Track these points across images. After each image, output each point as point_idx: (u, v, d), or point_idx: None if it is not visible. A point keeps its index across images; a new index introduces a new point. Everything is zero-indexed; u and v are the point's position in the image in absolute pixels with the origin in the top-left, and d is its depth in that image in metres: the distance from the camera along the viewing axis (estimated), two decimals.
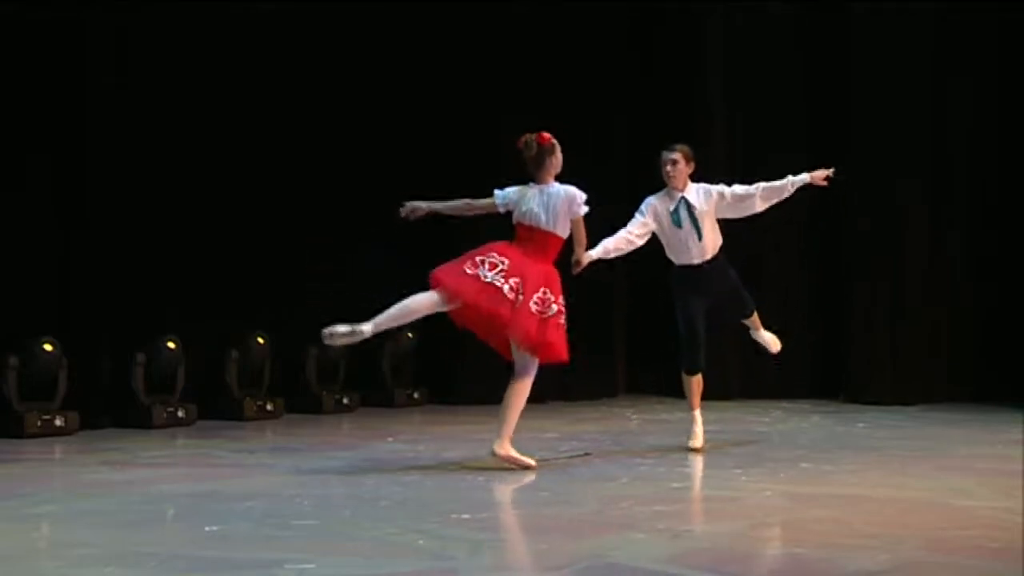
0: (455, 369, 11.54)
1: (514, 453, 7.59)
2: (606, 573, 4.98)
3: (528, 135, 7.72)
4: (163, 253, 10.19)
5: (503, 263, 7.55)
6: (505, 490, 6.99)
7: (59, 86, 9.78)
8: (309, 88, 11.06)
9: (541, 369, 8.15)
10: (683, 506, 6.52)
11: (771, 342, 8.98)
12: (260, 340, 10.62)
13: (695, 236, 8.21)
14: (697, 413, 8.45)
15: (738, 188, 8.42)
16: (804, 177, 8.51)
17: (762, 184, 8.45)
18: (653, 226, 8.24)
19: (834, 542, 5.43)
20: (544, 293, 7.51)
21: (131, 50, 10.16)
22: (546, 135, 7.72)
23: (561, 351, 7.61)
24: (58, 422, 9.24)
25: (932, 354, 11.75)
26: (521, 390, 7.61)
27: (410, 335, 11.57)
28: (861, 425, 10.06)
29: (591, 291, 8.04)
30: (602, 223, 8.31)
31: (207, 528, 5.73)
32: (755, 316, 8.84)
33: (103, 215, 9.99)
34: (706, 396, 11.99)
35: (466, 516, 6.01)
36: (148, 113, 10.17)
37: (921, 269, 11.77)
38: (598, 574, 4.99)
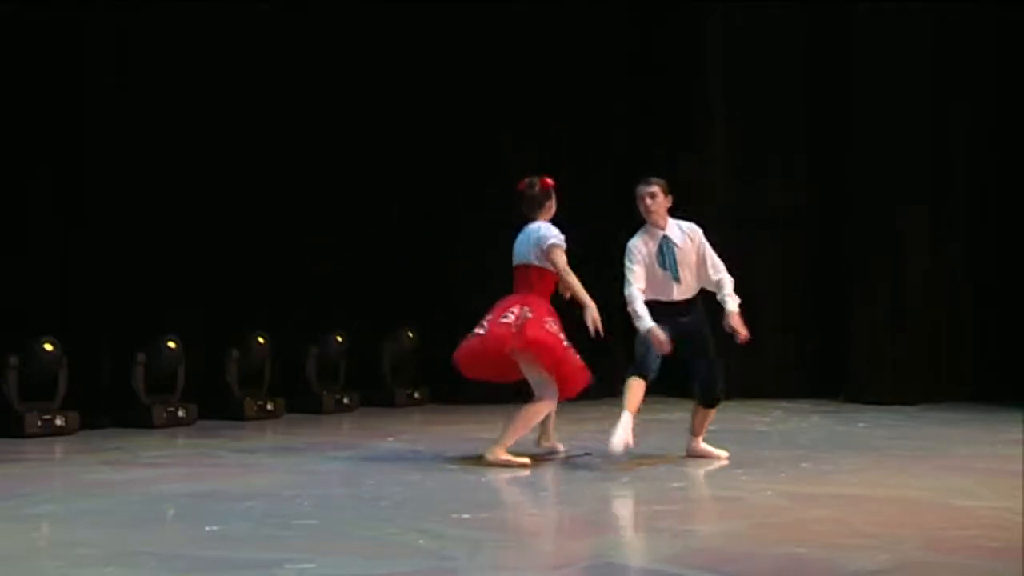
0: (455, 369, 11.52)
1: (507, 457, 7.65)
2: (606, 573, 4.99)
3: (531, 177, 7.98)
4: (163, 253, 10.19)
5: (492, 312, 7.84)
6: (505, 490, 6.99)
7: (59, 86, 9.77)
8: (309, 89, 11.06)
9: None
10: (683, 506, 6.52)
11: (710, 455, 8.09)
12: (260, 340, 10.61)
13: (679, 275, 7.81)
14: (629, 415, 7.61)
15: (717, 263, 7.96)
16: (731, 307, 7.89)
17: (726, 281, 7.94)
18: (644, 271, 7.81)
19: (834, 542, 5.44)
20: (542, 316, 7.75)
21: (131, 50, 10.15)
22: (548, 180, 7.99)
23: (577, 381, 7.90)
24: (58, 422, 9.24)
25: (932, 354, 11.75)
26: (532, 411, 7.75)
27: (410, 335, 11.57)
28: (861, 425, 10.06)
29: (591, 291, 8.02)
30: (601, 225, 8.32)
31: (207, 528, 5.73)
32: (709, 417, 8.07)
33: (103, 215, 9.99)
34: None
35: (466, 516, 6.01)
36: (148, 113, 10.17)
37: (921, 269, 11.77)
38: (598, 574, 4.99)
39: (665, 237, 7.84)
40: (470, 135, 11.68)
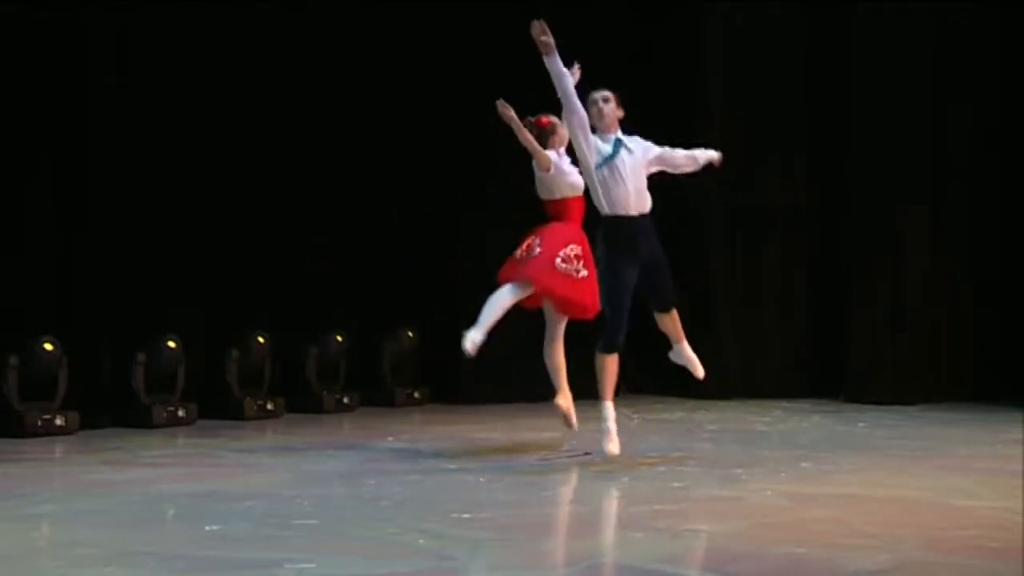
0: (455, 369, 11.54)
1: (568, 405, 8.18)
2: (606, 573, 4.99)
3: (529, 119, 8.19)
4: (163, 253, 10.19)
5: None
6: (505, 490, 6.99)
7: (59, 86, 9.77)
8: (309, 88, 11.06)
9: (542, 369, 8.22)
10: (683, 506, 6.52)
11: (695, 364, 8.21)
12: (260, 340, 10.61)
13: (632, 180, 7.62)
14: (610, 405, 7.67)
15: (666, 150, 7.95)
16: (711, 155, 8.06)
17: (683, 152, 8.03)
18: (588, 142, 7.63)
19: (834, 542, 5.44)
20: (571, 249, 8.00)
21: (131, 50, 10.15)
22: (544, 119, 8.19)
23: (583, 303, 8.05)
24: (58, 422, 9.24)
25: (932, 354, 11.75)
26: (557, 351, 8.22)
27: (410, 335, 11.57)
28: (861, 425, 10.06)
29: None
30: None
31: (207, 528, 5.73)
32: (676, 319, 8.06)
33: (103, 215, 9.99)
34: (707, 396, 11.95)
35: (466, 516, 6.02)
36: (148, 113, 10.17)
37: (921, 269, 11.76)
38: (598, 574, 4.99)
39: (618, 139, 7.76)
40: (470, 135, 11.66)
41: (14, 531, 5.78)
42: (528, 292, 8.04)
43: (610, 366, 7.66)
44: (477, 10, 11.65)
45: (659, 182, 8.31)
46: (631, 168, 7.67)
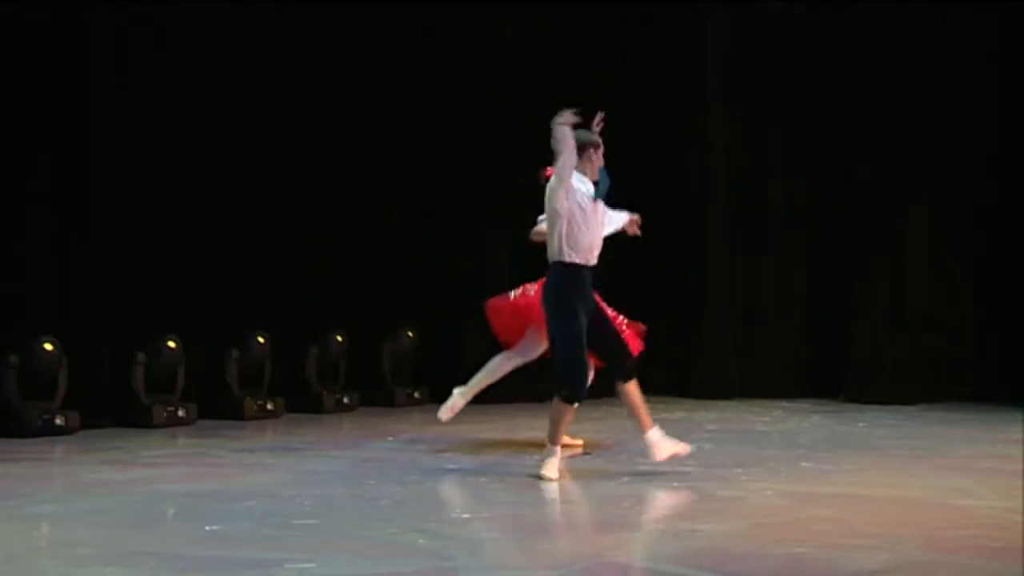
0: (455, 369, 11.53)
1: (565, 440, 7.70)
2: (606, 573, 4.99)
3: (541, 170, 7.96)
4: (163, 253, 10.19)
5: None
6: (505, 490, 6.99)
7: (59, 86, 9.77)
8: (309, 88, 11.06)
9: (541, 368, 8.23)
10: (683, 506, 6.52)
11: (678, 449, 7.42)
12: (260, 340, 10.61)
13: (599, 229, 7.37)
14: (559, 449, 7.34)
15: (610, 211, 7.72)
16: (625, 217, 7.92)
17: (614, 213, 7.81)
18: (570, 197, 7.26)
19: (834, 542, 5.44)
20: None
21: (131, 50, 10.16)
22: (549, 169, 7.83)
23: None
24: (58, 421, 9.24)
25: (932, 354, 11.74)
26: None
27: (410, 335, 11.57)
28: (861, 425, 10.06)
29: None
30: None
31: (207, 528, 5.74)
32: (640, 395, 7.44)
33: (103, 215, 9.99)
34: (707, 395, 11.93)
35: (466, 516, 6.02)
36: (148, 113, 10.17)
37: (921, 269, 11.76)
38: (598, 574, 5.00)
39: (596, 182, 7.49)
40: (470, 135, 11.67)
41: (14, 531, 5.79)
42: (528, 359, 8.26)
43: (568, 416, 7.31)
44: (478, 11, 11.65)
45: (661, 181, 8.33)
46: (601, 217, 7.47)
